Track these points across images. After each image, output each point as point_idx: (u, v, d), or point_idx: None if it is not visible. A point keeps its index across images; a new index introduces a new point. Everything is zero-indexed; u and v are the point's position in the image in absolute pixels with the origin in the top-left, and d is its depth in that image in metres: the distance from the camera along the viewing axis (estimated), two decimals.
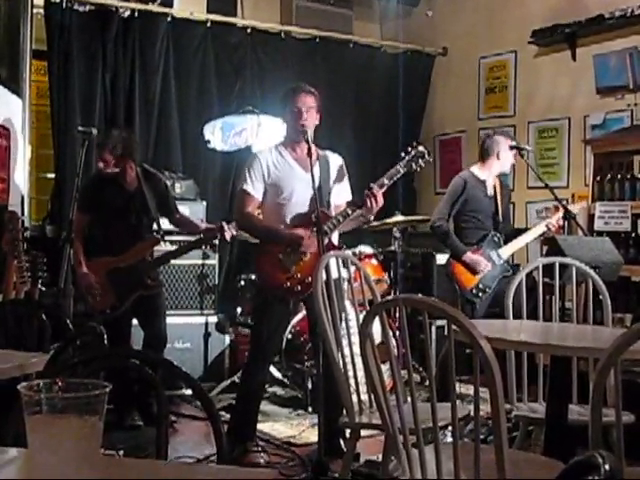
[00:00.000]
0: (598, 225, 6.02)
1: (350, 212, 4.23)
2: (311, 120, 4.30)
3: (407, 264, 6.91)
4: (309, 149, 4.12)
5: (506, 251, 5.46)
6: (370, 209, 4.21)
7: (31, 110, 6.29)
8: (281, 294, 4.27)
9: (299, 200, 4.27)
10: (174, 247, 5.44)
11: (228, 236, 4.96)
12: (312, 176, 3.98)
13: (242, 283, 6.32)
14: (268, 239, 4.30)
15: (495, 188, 5.51)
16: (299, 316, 5.57)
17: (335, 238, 4.38)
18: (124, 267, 5.02)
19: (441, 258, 6.35)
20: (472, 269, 5.32)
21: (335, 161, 4.48)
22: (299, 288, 4.22)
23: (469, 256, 5.33)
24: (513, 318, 3.68)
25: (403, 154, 4.39)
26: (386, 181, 4.28)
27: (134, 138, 5.32)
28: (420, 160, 4.37)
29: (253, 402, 4.41)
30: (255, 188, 4.31)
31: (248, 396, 4.41)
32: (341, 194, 4.46)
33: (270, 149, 4.43)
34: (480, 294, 5.32)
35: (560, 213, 5.38)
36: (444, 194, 5.68)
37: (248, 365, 4.51)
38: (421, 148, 4.39)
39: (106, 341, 2.75)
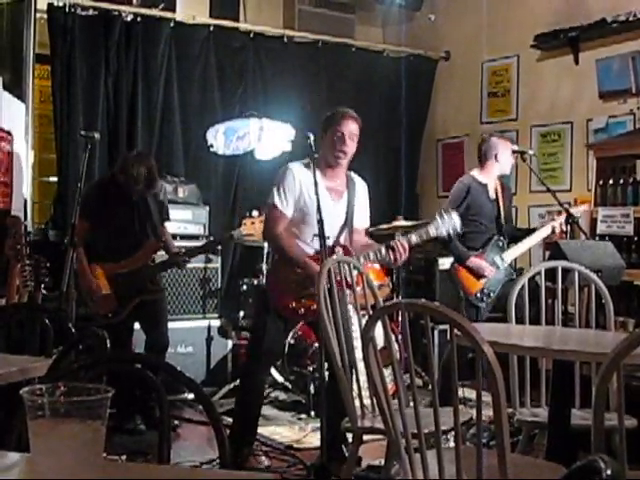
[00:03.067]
0: (601, 229, 6.01)
1: (372, 257, 4.20)
2: (352, 147, 4.26)
3: (409, 268, 6.91)
4: (339, 172, 4.14)
5: (510, 255, 5.44)
6: (397, 261, 4.21)
7: (34, 114, 6.31)
8: (284, 313, 4.22)
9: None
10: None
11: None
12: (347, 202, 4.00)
13: (244, 287, 6.32)
14: (295, 266, 4.16)
15: (497, 191, 5.50)
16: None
17: None
18: (126, 272, 5.03)
19: (443, 262, 6.34)
20: (476, 274, 5.31)
21: (361, 186, 4.43)
22: (302, 311, 4.18)
23: (473, 261, 5.30)
24: (516, 322, 3.67)
25: (437, 215, 4.39)
26: (414, 239, 4.28)
27: None
28: (451, 229, 4.40)
29: (252, 408, 4.40)
30: (287, 205, 4.16)
31: (247, 403, 4.40)
32: (361, 221, 4.41)
33: (302, 167, 4.25)
34: (485, 298, 5.31)
35: (563, 217, 5.38)
36: (446, 198, 5.68)
37: (246, 373, 4.50)
38: (454, 216, 4.42)
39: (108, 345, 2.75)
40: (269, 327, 4.25)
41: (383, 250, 4.20)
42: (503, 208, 5.50)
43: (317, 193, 3.90)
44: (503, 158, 5.42)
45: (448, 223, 4.38)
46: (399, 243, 4.17)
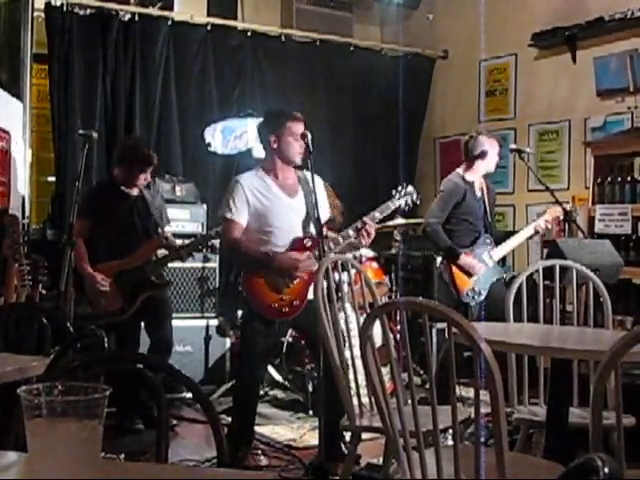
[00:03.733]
0: (598, 228, 6.02)
1: (341, 240, 4.27)
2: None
3: (408, 267, 6.91)
4: (293, 169, 4.17)
5: (497, 253, 5.45)
6: (363, 243, 4.31)
7: (32, 113, 6.29)
8: (268, 315, 4.23)
9: (286, 226, 4.24)
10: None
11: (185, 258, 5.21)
12: (315, 198, 3.98)
13: None
14: (262, 265, 4.20)
15: (482, 189, 5.51)
16: None
17: None
18: (130, 269, 5.04)
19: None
20: (467, 272, 5.32)
21: (316, 182, 4.45)
22: (286, 310, 4.20)
23: (464, 259, 5.30)
24: (514, 321, 3.67)
25: (394, 192, 4.53)
26: (377, 214, 4.36)
27: None
28: (409, 199, 4.53)
29: (248, 408, 4.40)
30: (239, 213, 4.23)
31: (243, 402, 4.40)
32: (322, 213, 4.43)
33: (251, 175, 4.35)
34: (475, 296, 5.32)
35: (547, 215, 5.40)
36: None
37: (240, 375, 4.51)
38: (410, 189, 4.55)
39: (109, 345, 2.74)
40: (257, 333, 4.25)
41: (351, 232, 4.26)
42: (489, 207, 5.51)
43: (315, 192, 3.92)
44: (490, 156, 5.43)
45: (405, 195, 4.52)
46: (365, 223, 4.24)
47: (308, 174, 4.41)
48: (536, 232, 5.44)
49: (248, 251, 4.27)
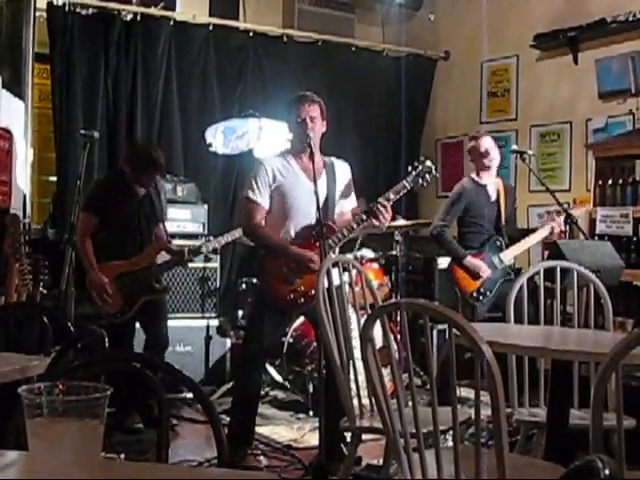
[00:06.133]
0: (600, 229, 6.01)
1: (356, 226, 4.19)
2: (317, 129, 4.26)
3: (409, 268, 6.91)
4: (311, 155, 4.11)
5: (508, 254, 5.45)
6: (381, 223, 4.17)
7: (33, 113, 6.30)
8: (282, 306, 4.24)
9: (304, 209, 4.20)
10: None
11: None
12: (315, 187, 3.94)
13: (244, 286, 6.32)
14: (275, 253, 4.23)
15: (498, 192, 5.52)
16: (300, 320, 5.57)
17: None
18: (132, 271, 5.03)
19: (442, 262, 6.34)
20: (473, 273, 5.32)
21: (342, 168, 4.45)
22: (302, 300, 4.20)
23: (469, 260, 5.33)
24: (514, 322, 3.67)
25: (410, 169, 4.33)
26: (392, 195, 4.23)
27: None
28: (427, 175, 4.30)
29: (249, 408, 4.39)
30: (262, 196, 4.23)
31: (243, 402, 4.40)
32: (347, 202, 4.44)
33: (276, 156, 4.38)
34: (481, 298, 5.32)
35: (562, 217, 5.40)
36: (446, 198, 5.69)
37: (241, 373, 4.50)
38: (428, 163, 4.31)
39: (107, 344, 2.74)
40: (266, 324, 4.26)
41: (364, 216, 4.19)
42: (505, 209, 5.51)
43: (317, 192, 3.91)
44: (492, 153, 5.45)
45: (422, 172, 4.30)
46: (379, 204, 4.15)
47: (335, 160, 4.43)
48: (551, 233, 5.43)
49: (264, 237, 4.29)
